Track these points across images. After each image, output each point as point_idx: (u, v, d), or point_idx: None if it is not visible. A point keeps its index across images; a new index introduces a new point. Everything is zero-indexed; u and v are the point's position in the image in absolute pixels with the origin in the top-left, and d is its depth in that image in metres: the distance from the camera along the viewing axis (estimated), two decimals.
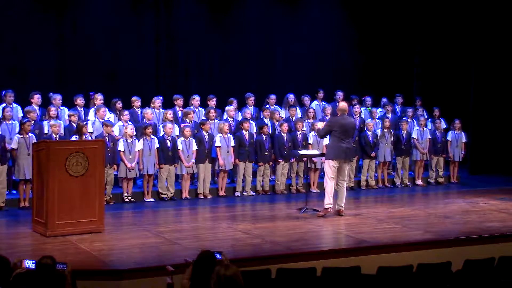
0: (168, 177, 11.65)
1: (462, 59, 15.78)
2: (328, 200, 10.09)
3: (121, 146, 11.25)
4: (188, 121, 12.10)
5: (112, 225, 9.37)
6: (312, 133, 12.65)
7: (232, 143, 12.02)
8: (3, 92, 11.58)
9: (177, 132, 11.92)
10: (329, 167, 10.13)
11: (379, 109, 14.25)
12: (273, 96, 13.60)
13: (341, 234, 9.21)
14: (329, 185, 10.09)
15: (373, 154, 13.10)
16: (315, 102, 14.13)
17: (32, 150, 9.68)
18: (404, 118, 13.78)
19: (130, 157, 11.28)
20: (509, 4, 14.96)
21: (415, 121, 14.01)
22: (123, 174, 11.30)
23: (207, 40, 15.07)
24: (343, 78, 15.85)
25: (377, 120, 13.66)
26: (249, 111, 12.96)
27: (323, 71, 16.07)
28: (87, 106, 12.40)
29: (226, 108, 12.90)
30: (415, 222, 9.87)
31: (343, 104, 10.63)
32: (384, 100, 14.57)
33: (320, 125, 11.01)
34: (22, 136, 10.60)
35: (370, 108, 14.17)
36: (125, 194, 11.33)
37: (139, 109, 12.44)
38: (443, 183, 13.88)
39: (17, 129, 10.92)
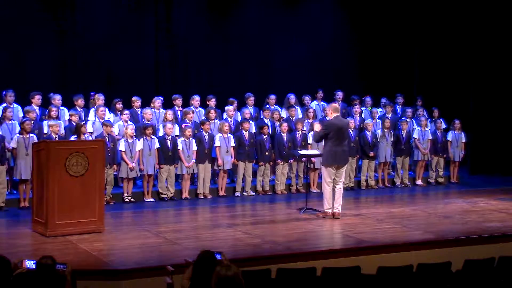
0: (168, 177, 11.65)
1: (462, 59, 15.78)
2: (327, 205, 10.07)
3: (122, 146, 11.25)
4: (188, 121, 12.10)
5: (112, 225, 9.38)
6: (312, 133, 12.65)
7: (232, 143, 12.03)
8: (4, 92, 11.58)
9: (177, 133, 11.92)
10: (327, 172, 10.07)
11: (379, 109, 14.26)
12: (273, 96, 13.60)
13: (341, 234, 9.21)
14: (327, 189, 10.05)
15: (371, 154, 13.10)
16: (315, 102, 14.13)
17: (32, 150, 9.68)
18: (403, 118, 13.77)
19: (131, 157, 11.28)
20: (509, 4, 14.96)
21: (414, 121, 14.00)
22: (124, 174, 11.30)
23: (207, 40, 15.07)
24: (343, 78, 15.84)
25: (378, 120, 13.67)
26: (248, 111, 12.96)
27: (323, 71, 16.06)
28: (87, 107, 12.40)
29: (226, 108, 12.90)
30: (415, 222, 9.87)
31: (335, 105, 10.60)
32: (384, 100, 14.57)
33: (317, 127, 10.89)
34: (21, 136, 10.61)
35: (370, 108, 14.18)
36: (125, 194, 11.34)
37: (139, 109, 12.44)
38: (443, 183, 13.88)
39: (17, 129, 10.93)
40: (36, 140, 10.28)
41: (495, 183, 13.91)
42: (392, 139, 13.37)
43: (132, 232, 9.07)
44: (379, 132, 13.34)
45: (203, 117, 12.45)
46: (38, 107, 11.70)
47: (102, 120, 11.59)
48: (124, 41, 14.23)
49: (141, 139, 11.43)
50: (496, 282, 6.80)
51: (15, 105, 11.61)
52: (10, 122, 11.09)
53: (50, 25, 13.60)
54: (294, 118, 13.14)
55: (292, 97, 13.70)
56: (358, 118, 13.70)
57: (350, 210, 10.64)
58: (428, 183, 13.83)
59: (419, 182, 13.71)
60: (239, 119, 12.88)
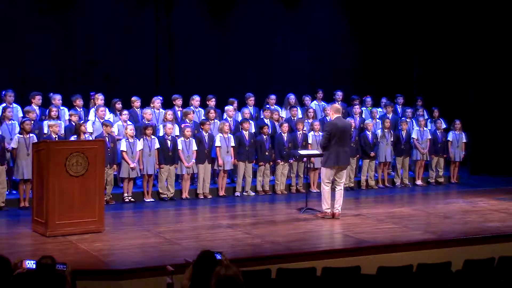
0: (168, 177, 11.65)
1: (462, 59, 15.78)
2: (326, 205, 10.07)
3: (123, 146, 11.25)
4: (188, 121, 12.10)
5: (112, 225, 9.37)
6: (312, 133, 12.66)
7: (232, 143, 12.02)
8: (3, 92, 11.58)
9: (177, 133, 11.92)
10: (326, 173, 10.06)
11: (379, 109, 14.26)
12: (273, 96, 13.60)
13: (341, 234, 9.21)
14: (326, 189, 10.05)
15: (372, 154, 13.10)
16: (315, 102, 14.13)
17: (32, 150, 9.69)
18: (403, 118, 13.77)
19: (132, 157, 11.28)
20: (509, 4, 14.96)
21: (414, 121, 14.00)
22: (125, 174, 11.30)
23: (207, 40, 15.07)
24: (343, 78, 15.85)
25: (378, 120, 13.66)
26: (248, 111, 12.96)
27: (323, 71, 16.07)
28: (86, 107, 12.41)
29: (226, 108, 12.89)
30: (415, 222, 9.87)
31: (336, 106, 10.60)
32: (384, 100, 14.57)
33: None
34: (22, 136, 10.61)
35: (370, 108, 14.18)
36: (125, 194, 11.33)
37: (139, 109, 12.44)
38: (443, 183, 13.88)
39: (17, 129, 10.93)
40: (36, 140, 10.27)
41: (495, 183, 13.90)
42: (392, 139, 13.37)
43: (132, 232, 9.07)
44: (379, 132, 13.33)
45: (203, 117, 12.46)
46: (38, 107, 11.70)
47: (102, 120, 11.59)
48: (124, 41, 14.23)
49: (141, 139, 11.42)
50: (496, 282, 6.79)
51: (14, 105, 11.61)
52: (10, 122, 11.09)
53: (50, 25, 13.60)
54: (295, 118, 13.12)
55: (292, 97, 13.70)
56: (358, 118, 13.70)
57: (350, 210, 10.64)
58: (428, 183, 13.83)
59: (418, 182, 13.70)
60: (239, 119, 12.87)
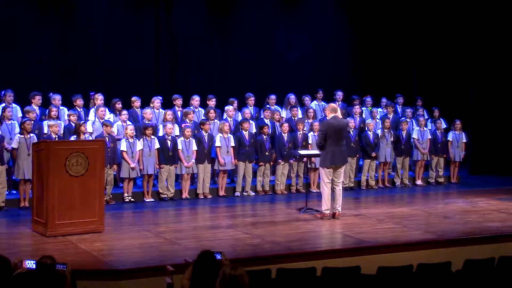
0: (168, 177, 11.65)
1: (462, 59, 15.78)
2: (326, 206, 10.05)
3: (123, 146, 11.25)
4: (188, 121, 12.10)
5: (112, 225, 9.37)
6: (312, 133, 12.65)
7: (232, 143, 12.02)
8: (3, 92, 11.58)
9: (177, 132, 11.92)
10: (325, 173, 10.04)
11: (379, 109, 14.26)
12: (273, 96, 13.60)
13: (341, 234, 9.20)
14: (326, 190, 10.03)
15: (373, 154, 13.10)
16: (315, 102, 14.13)
17: (32, 150, 9.68)
18: (403, 118, 13.77)
19: (132, 156, 11.28)
20: (509, 4, 14.96)
21: (414, 121, 14.00)
22: (125, 174, 11.29)
23: (207, 40, 15.07)
24: (343, 78, 15.85)
25: (378, 120, 13.66)
26: (248, 111, 12.96)
27: (323, 71, 16.06)
28: (87, 106, 12.41)
29: (226, 108, 12.89)
30: (415, 222, 9.87)
31: (333, 105, 10.60)
32: (385, 100, 14.56)
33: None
34: (22, 136, 10.61)
35: (371, 108, 14.18)
36: (125, 194, 11.33)
37: (139, 109, 12.44)
38: (443, 183, 13.88)
39: (17, 129, 10.93)
40: (36, 140, 10.27)
41: (495, 183, 13.91)
42: (392, 139, 13.36)
43: (132, 232, 9.07)
44: (379, 132, 13.33)
45: (203, 117, 12.46)
46: (38, 107, 11.70)
47: (102, 120, 11.59)
48: (124, 41, 14.24)
49: (141, 139, 11.42)
50: (496, 282, 6.80)
51: (14, 105, 11.61)
52: (10, 122, 11.09)
53: (50, 25, 13.60)
54: (296, 118, 13.12)
55: (292, 97, 13.70)
56: (358, 118, 13.69)
57: (350, 210, 10.64)
58: (428, 183, 13.83)
59: (419, 182, 13.70)
60: (239, 119, 12.87)
